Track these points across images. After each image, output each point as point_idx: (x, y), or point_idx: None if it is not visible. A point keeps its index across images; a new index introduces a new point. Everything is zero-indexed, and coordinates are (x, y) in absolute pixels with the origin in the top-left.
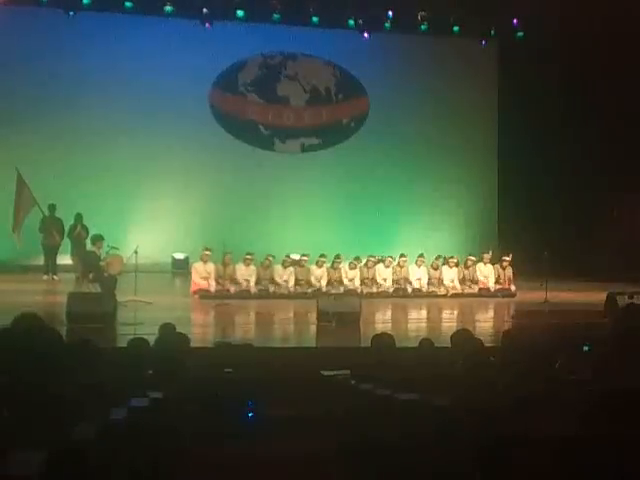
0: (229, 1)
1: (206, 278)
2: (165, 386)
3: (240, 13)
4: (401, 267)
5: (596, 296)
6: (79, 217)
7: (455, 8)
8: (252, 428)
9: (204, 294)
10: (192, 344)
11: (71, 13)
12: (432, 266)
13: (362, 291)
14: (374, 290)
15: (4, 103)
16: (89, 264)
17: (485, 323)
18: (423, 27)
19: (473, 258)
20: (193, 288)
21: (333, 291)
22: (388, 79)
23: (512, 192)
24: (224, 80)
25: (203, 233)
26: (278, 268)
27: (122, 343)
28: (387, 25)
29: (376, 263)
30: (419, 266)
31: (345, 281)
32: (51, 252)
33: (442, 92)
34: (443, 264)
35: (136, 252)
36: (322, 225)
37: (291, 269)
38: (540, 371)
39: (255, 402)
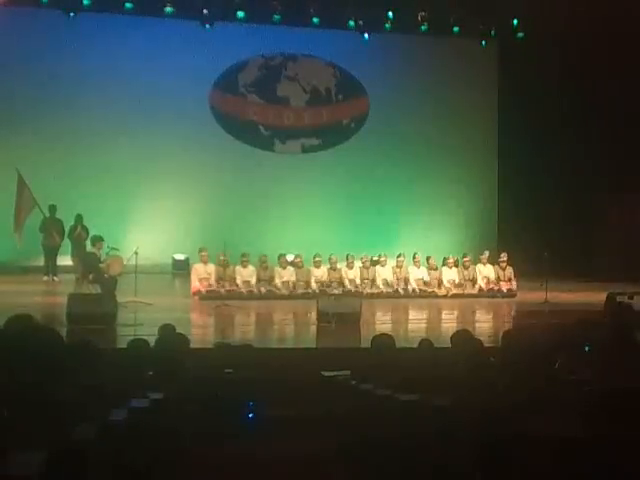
0: (229, 2)
1: (206, 279)
2: (165, 387)
3: (240, 14)
4: (400, 267)
5: (596, 296)
6: (79, 218)
7: (455, 8)
8: (252, 429)
9: (204, 295)
10: (192, 345)
11: (71, 14)
12: (431, 266)
13: (362, 291)
14: (374, 290)
15: (4, 104)
16: (89, 265)
17: (485, 323)
18: (423, 27)
19: (468, 258)
20: (193, 289)
21: (333, 292)
22: (388, 79)
23: (512, 192)
24: (224, 81)
25: (203, 234)
26: (278, 269)
27: (122, 344)
28: (387, 26)
29: (374, 263)
30: (418, 266)
31: (345, 282)
32: (51, 253)
33: (442, 92)
34: (443, 264)
35: (136, 253)
36: (322, 226)
37: (291, 270)
38: (540, 371)
39: (255, 403)
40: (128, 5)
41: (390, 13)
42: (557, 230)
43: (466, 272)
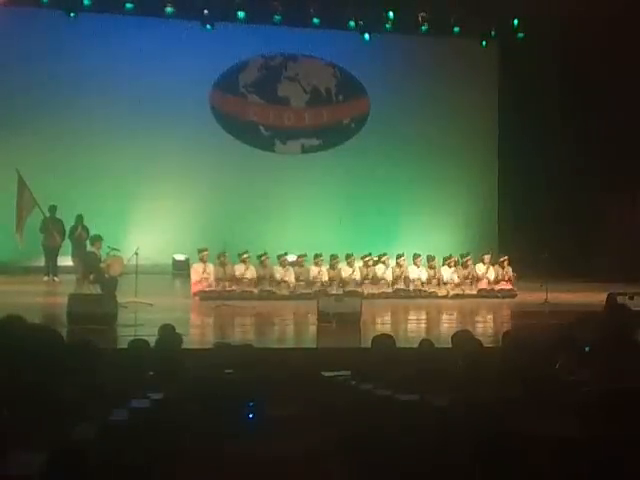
0: (230, 2)
1: (206, 279)
2: (165, 387)
3: (241, 14)
4: (400, 267)
5: (596, 297)
6: (80, 218)
7: (455, 9)
8: (252, 429)
9: (204, 295)
10: (192, 345)
11: (72, 14)
12: (431, 266)
13: (362, 292)
14: (374, 291)
15: (4, 104)
16: (90, 265)
17: (485, 324)
18: (423, 28)
19: (469, 258)
20: (193, 289)
21: (333, 291)
22: (388, 80)
23: (512, 192)
24: (225, 81)
25: (203, 234)
26: (278, 268)
27: (123, 344)
28: (388, 26)
29: (374, 263)
30: (418, 266)
31: (345, 282)
32: (52, 253)
33: (442, 93)
34: (443, 264)
35: (136, 253)
36: (323, 226)
37: (291, 269)
38: (540, 371)
39: (255, 403)
40: (129, 5)
41: (390, 13)
42: (557, 230)
43: (466, 272)
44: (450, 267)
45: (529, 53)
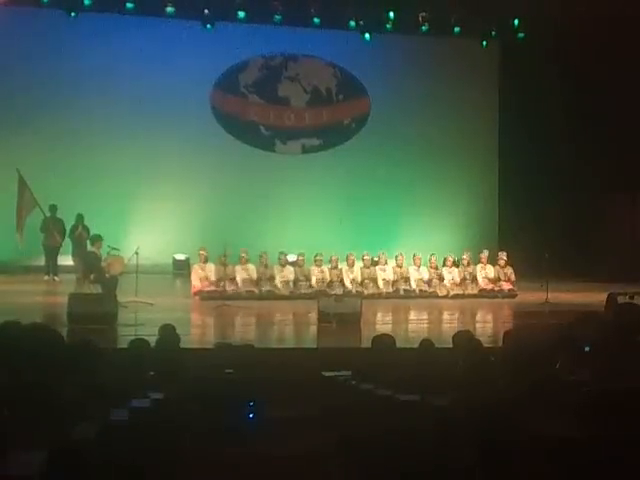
0: (230, 2)
1: (206, 279)
2: (166, 387)
3: (241, 14)
4: (400, 267)
5: (597, 296)
6: (80, 218)
7: (456, 9)
8: (253, 429)
9: (205, 295)
10: (193, 345)
11: (72, 14)
12: (431, 266)
13: (363, 292)
14: (375, 291)
15: (5, 104)
16: (90, 265)
17: (486, 324)
18: (424, 28)
19: (469, 257)
20: (194, 289)
21: (334, 292)
22: (389, 80)
23: (512, 192)
24: (225, 81)
25: (204, 234)
26: (278, 268)
27: (123, 344)
28: (388, 26)
29: (375, 263)
30: (418, 266)
31: (346, 282)
32: (52, 253)
33: (443, 93)
34: (443, 264)
35: (137, 253)
36: (323, 226)
37: (291, 268)
38: (540, 371)
39: (256, 403)
40: (129, 5)
41: (391, 13)
42: (557, 230)
43: (466, 271)
44: (450, 267)
45: (529, 53)
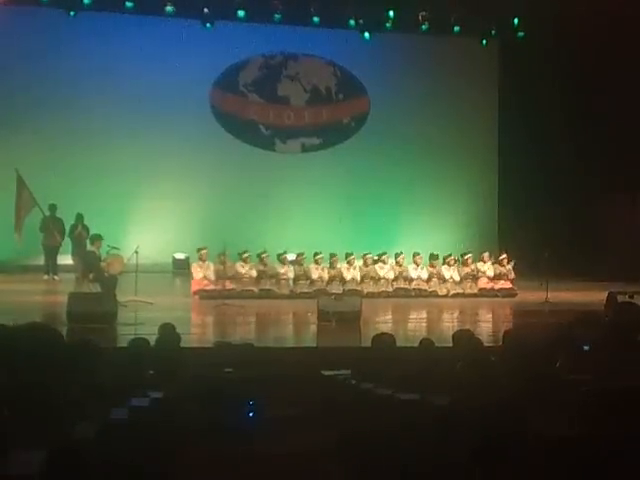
0: (230, 1)
1: (206, 278)
2: (165, 386)
3: (241, 13)
4: (400, 266)
5: (596, 296)
6: (80, 217)
7: (456, 8)
8: (252, 428)
9: (204, 294)
10: (192, 344)
11: (72, 13)
12: (431, 264)
13: (362, 291)
14: (374, 290)
15: (4, 104)
16: (90, 264)
17: (486, 323)
18: (424, 27)
19: (469, 256)
20: (193, 288)
21: (334, 290)
22: (389, 79)
23: (512, 192)
24: (225, 80)
25: (203, 233)
26: (278, 267)
27: (123, 343)
28: (388, 25)
29: (374, 262)
30: (418, 265)
31: (346, 280)
32: (52, 252)
33: (443, 92)
34: (443, 263)
35: (136, 252)
36: (323, 225)
37: (290, 267)
38: (540, 370)
39: (255, 402)
40: (129, 4)
41: (391, 12)
42: (557, 230)
43: (466, 270)
44: (450, 266)
45: (529, 52)
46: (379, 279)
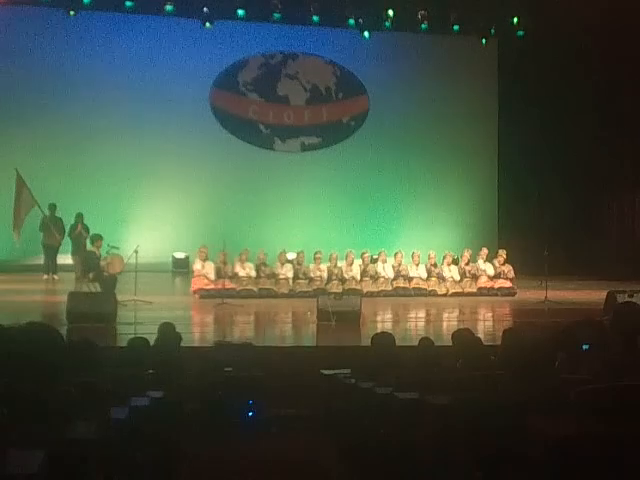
0: (230, 0)
1: (206, 277)
2: (165, 385)
3: (241, 12)
4: (399, 264)
5: (596, 295)
6: (80, 217)
7: (455, 7)
8: (252, 427)
9: (204, 293)
10: (192, 343)
11: (72, 12)
12: (431, 263)
13: (362, 289)
14: (374, 289)
15: (4, 103)
16: (89, 264)
17: (485, 322)
18: (423, 26)
19: (469, 255)
20: (193, 287)
21: (333, 289)
22: (388, 78)
23: (512, 191)
24: (225, 79)
25: (203, 232)
26: (277, 265)
27: (122, 343)
28: (387, 24)
29: (374, 261)
30: (417, 264)
31: (345, 279)
32: (51, 252)
33: (442, 91)
34: (442, 262)
35: (136, 252)
36: (323, 224)
37: (290, 266)
38: (540, 370)
39: (255, 401)
40: (129, 4)
41: (390, 11)
42: (557, 229)
43: (466, 269)
44: (450, 264)
45: (529, 51)
46: (378, 277)
